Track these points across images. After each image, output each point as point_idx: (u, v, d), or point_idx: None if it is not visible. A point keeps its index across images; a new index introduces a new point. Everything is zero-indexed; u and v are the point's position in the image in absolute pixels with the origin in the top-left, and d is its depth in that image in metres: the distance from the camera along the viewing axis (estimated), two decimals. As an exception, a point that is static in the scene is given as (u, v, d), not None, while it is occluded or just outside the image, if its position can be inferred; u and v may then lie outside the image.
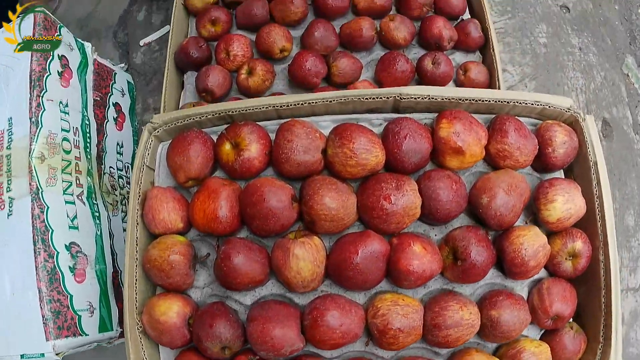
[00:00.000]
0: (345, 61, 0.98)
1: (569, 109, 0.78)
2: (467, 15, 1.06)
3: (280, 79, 1.04)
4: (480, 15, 1.05)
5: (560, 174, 0.82)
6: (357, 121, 0.81)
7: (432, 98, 0.78)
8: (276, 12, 1.04)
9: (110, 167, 1.09)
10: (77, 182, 0.97)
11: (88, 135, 1.04)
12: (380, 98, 0.78)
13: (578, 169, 0.80)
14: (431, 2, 1.04)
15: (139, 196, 0.78)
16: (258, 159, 0.75)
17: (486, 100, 0.78)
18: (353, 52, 1.04)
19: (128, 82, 1.21)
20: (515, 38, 1.14)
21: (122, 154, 1.13)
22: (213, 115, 0.79)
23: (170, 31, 1.08)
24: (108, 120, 1.11)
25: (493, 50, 1.00)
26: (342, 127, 0.75)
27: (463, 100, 0.78)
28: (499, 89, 0.97)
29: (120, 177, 1.11)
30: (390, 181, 0.73)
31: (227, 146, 0.76)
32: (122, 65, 1.23)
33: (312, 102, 0.77)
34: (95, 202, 1.00)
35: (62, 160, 0.94)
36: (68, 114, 0.99)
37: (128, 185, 1.13)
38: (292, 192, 0.74)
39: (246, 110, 0.78)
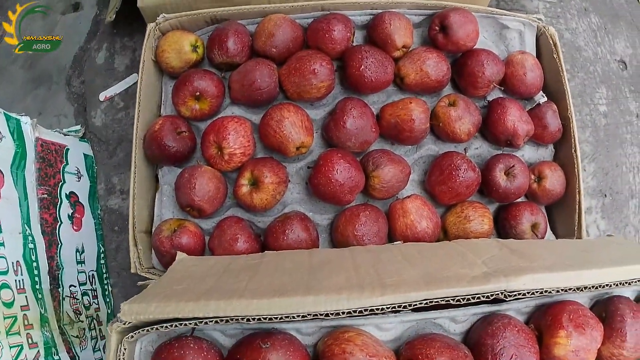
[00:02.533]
0: (392, 170, 0.54)
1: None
2: (540, 96, 0.63)
3: (295, 182, 0.59)
4: (559, 97, 0.63)
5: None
6: (434, 320, 0.43)
7: (547, 292, 0.40)
8: (289, 84, 0.58)
9: (71, 285, 0.65)
10: (30, 341, 0.54)
11: (35, 264, 0.58)
12: (479, 298, 0.39)
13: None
14: (500, 79, 0.61)
15: None
16: None
17: (607, 285, 0.42)
18: (395, 145, 0.61)
19: (85, 157, 0.73)
20: (574, 107, 0.74)
21: (83, 262, 0.68)
22: (218, 322, 0.38)
23: (137, 101, 0.59)
24: (61, 223, 0.65)
25: (575, 151, 0.60)
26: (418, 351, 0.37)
27: (582, 290, 0.42)
28: (579, 202, 0.60)
29: (84, 293, 0.68)
30: None
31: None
32: (78, 128, 0.73)
33: (378, 310, 0.38)
34: (56, 357, 0.58)
35: (5, 318, 0.51)
36: (3, 244, 0.53)
37: (95, 301, 0.70)
38: None
39: (270, 318, 0.37)
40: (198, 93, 0.58)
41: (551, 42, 0.64)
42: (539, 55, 0.66)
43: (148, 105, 0.62)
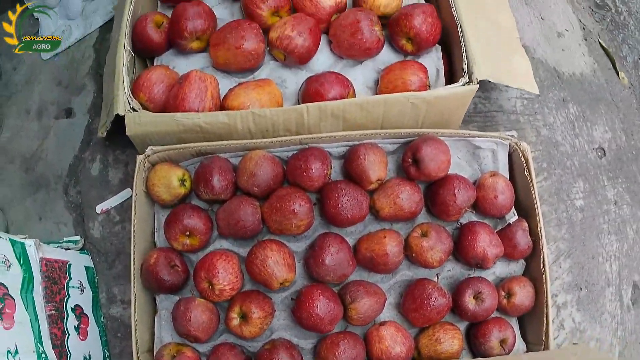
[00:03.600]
0: (368, 302, 0.61)
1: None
2: (511, 215, 0.68)
3: (281, 309, 0.67)
4: (529, 213, 0.68)
5: None
6: None
7: None
8: (271, 222, 0.64)
9: (80, 390, 0.74)
10: None
11: (49, 377, 0.67)
12: None
13: None
14: (472, 204, 0.66)
15: None
16: None
17: None
18: (371, 274, 0.67)
19: (87, 269, 0.80)
20: (550, 205, 0.80)
21: (90, 369, 0.77)
22: None
23: (132, 234, 0.66)
24: (69, 335, 0.73)
25: (544, 266, 0.66)
26: None
27: None
28: (546, 314, 0.65)
29: (91, 397, 0.77)
30: None
31: None
32: (77, 239, 0.80)
33: None
34: None
35: None
36: (21, 365, 0.62)
37: (102, 403, 0.78)
38: None
39: None
40: (188, 232, 0.65)
41: (523, 159, 0.69)
42: (511, 171, 0.71)
43: (143, 235, 0.69)
